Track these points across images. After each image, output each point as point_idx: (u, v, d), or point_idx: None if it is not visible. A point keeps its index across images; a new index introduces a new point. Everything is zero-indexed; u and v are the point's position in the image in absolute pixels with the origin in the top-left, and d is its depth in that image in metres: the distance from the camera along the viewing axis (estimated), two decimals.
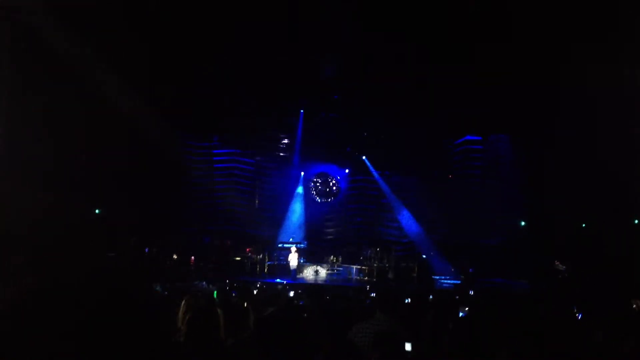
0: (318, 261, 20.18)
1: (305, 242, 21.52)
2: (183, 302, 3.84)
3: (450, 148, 21.78)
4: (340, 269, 19.81)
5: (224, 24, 13.29)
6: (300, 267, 19.30)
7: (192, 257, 18.97)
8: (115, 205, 15.62)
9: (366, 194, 22.88)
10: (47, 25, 11.45)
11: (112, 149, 14.10)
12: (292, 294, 9.22)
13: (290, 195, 22.67)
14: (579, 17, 11.39)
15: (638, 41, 11.40)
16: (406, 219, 21.65)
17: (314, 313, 5.50)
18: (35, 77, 11.57)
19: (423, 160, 21.32)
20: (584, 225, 17.61)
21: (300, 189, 22.83)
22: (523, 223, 19.69)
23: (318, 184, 23.34)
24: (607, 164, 13.87)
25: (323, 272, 19.62)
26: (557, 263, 16.86)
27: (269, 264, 20.16)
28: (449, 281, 18.28)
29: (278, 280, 16.97)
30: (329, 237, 22.76)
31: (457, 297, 9.26)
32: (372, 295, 9.51)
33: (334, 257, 20.31)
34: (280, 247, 20.98)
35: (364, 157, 22.09)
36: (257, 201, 22.73)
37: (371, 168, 22.12)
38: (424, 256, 20.36)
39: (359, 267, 19.92)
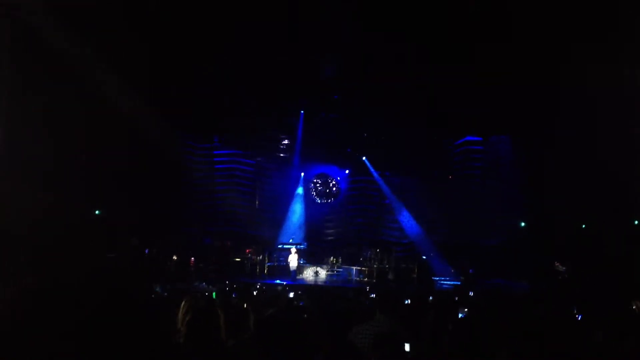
0: (318, 262, 20.17)
1: (305, 243, 21.52)
2: (183, 303, 3.84)
3: (450, 149, 21.78)
4: (340, 270, 19.80)
5: (224, 24, 13.29)
6: (300, 268, 19.29)
7: (192, 258, 18.96)
8: (115, 206, 15.61)
9: (366, 194, 22.89)
10: (47, 25, 11.44)
11: (112, 149, 14.09)
12: (292, 295, 9.22)
13: (290, 196, 22.67)
14: (579, 17, 11.39)
15: (638, 41, 11.40)
16: (406, 220, 21.65)
17: (314, 314, 5.50)
18: (35, 77, 11.57)
19: (423, 161, 21.33)
20: (584, 226, 17.60)
21: (300, 190, 22.83)
22: (523, 224, 19.68)
23: (318, 185, 23.34)
24: (607, 164, 13.87)
25: (323, 273, 19.61)
26: (557, 264, 16.85)
27: (268, 265, 20.16)
28: (449, 282, 18.27)
29: (278, 281, 16.97)
30: (329, 238, 22.76)
31: (457, 298, 9.26)
32: (372, 296, 9.51)
33: (334, 258, 20.31)
34: (280, 248, 20.97)
35: (364, 158, 22.09)
36: (257, 202, 22.73)
37: (371, 169, 22.11)
38: (424, 257, 20.35)
39: (359, 268, 19.91)
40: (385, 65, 15.32)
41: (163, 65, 13.94)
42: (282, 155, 22.77)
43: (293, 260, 18.54)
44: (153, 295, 6.48)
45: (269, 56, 14.97)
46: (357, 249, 21.24)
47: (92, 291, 1.24)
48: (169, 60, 14.03)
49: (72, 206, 12.63)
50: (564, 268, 16.66)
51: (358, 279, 19.49)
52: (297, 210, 22.59)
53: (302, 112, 20.70)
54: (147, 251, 17.91)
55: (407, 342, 3.58)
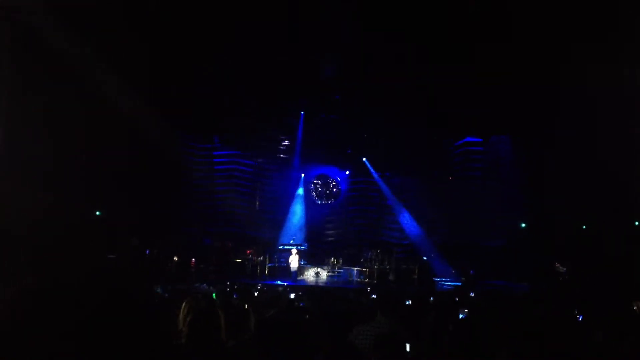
0: (319, 263, 20.15)
1: (306, 244, 21.49)
2: (184, 304, 3.84)
3: (450, 149, 21.78)
4: (341, 270, 19.79)
5: (224, 24, 13.29)
6: (300, 269, 19.27)
7: (193, 259, 18.96)
8: (116, 206, 15.61)
9: (367, 195, 22.88)
10: (47, 25, 11.44)
11: (112, 149, 14.09)
12: (292, 296, 9.21)
13: (290, 197, 22.65)
14: (579, 17, 11.39)
15: (638, 41, 11.40)
16: (407, 221, 21.64)
17: (314, 315, 5.50)
18: (35, 77, 11.57)
19: (423, 162, 21.34)
20: (584, 226, 17.59)
21: (300, 191, 22.81)
22: (523, 224, 19.68)
23: (318, 186, 23.33)
24: (607, 164, 13.87)
25: (324, 274, 19.60)
26: (558, 264, 16.85)
27: (269, 266, 20.14)
28: (449, 283, 18.26)
29: (279, 282, 16.95)
30: (330, 239, 22.74)
31: (457, 298, 9.25)
32: (373, 297, 9.50)
33: (334, 259, 20.30)
34: (280, 249, 20.96)
35: (364, 159, 22.08)
36: (257, 203, 22.71)
37: (371, 170, 22.11)
38: (425, 258, 20.34)
39: (359, 269, 19.89)
40: (385, 65, 15.32)
41: (163, 65, 13.94)
42: (282, 156, 22.76)
43: (294, 261, 18.51)
44: (153, 296, 6.48)
45: (269, 56, 14.97)
46: (357, 250, 21.23)
47: (92, 291, 1.24)
48: (169, 60, 14.03)
49: (72, 206, 12.63)
50: (564, 269, 16.66)
51: (359, 279, 19.47)
52: (297, 211, 22.57)
53: (302, 112, 20.70)
54: (147, 252, 17.90)
55: (407, 343, 3.58)
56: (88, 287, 1.25)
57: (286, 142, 22.44)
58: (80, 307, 1.16)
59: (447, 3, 12.64)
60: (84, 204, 14.35)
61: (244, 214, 21.74)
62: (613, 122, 13.32)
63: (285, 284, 16.03)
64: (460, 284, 17.84)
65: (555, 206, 16.57)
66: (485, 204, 20.23)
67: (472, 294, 10.90)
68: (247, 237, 21.38)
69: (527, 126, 17.51)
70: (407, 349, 3.56)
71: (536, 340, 3.21)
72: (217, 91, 17.44)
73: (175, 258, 18.22)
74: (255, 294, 9.44)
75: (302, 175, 22.71)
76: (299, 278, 18.78)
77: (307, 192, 22.99)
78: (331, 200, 23.28)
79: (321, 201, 23.27)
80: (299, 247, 20.02)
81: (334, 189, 23.31)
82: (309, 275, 19.55)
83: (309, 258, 20.72)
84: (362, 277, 19.60)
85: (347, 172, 23.04)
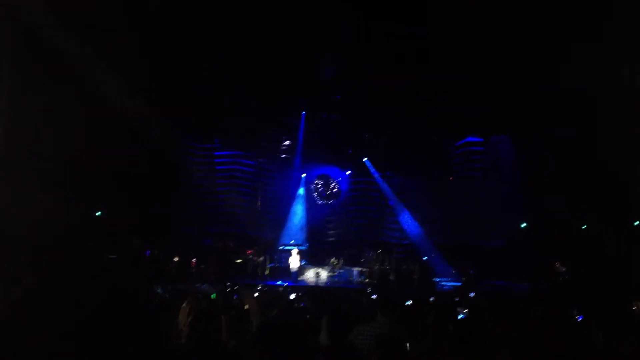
0: (319, 263, 20.13)
1: (307, 244, 21.49)
2: (184, 305, 3.84)
3: (451, 150, 21.78)
4: (342, 271, 19.77)
5: (224, 23, 13.29)
6: (301, 270, 19.24)
7: (193, 260, 18.95)
8: (116, 206, 15.61)
9: (367, 195, 22.88)
10: (47, 25, 11.45)
11: (112, 149, 14.10)
12: (293, 296, 9.20)
13: (291, 197, 22.64)
14: (579, 17, 11.39)
15: (638, 41, 11.40)
16: (407, 221, 21.64)
17: (314, 315, 5.49)
18: (35, 77, 11.58)
19: (424, 162, 21.34)
20: (584, 227, 17.59)
21: (301, 191, 22.81)
22: (523, 225, 19.68)
23: (319, 186, 23.32)
24: (607, 164, 13.87)
25: (324, 274, 19.58)
26: (557, 265, 16.84)
27: (270, 266, 20.13)
28: (449, 283, 18.26)
29: (279, 282, 16.95)
30: (330, 239, 22.72)
31: (457, 299, 9.24)
32: (373, 297, 9.49)
33: (335, 259, 20.28)
34: (281, 249, 20.95)
35: (365, 159, 22.08)
36: (258, 203, 22.68)
37: (372, 170, 22.10)
38: (425, 258, 20.34)
39: (360, 269, 19.85)
40: (385, 65, 15.32)
41: (163, 65, 13.94)
42: (283, 156, 22.74)
43: (294, 262, 18.49)
44: (154, 296, 6.48)
45: (269, 56, 14.97)
46: (358, 250, 21.22)
47: (92, 291, 1.24)
48: (169, 60, 14.03)
49: (72, 206, 12.63)
50: (564, 269, 16.65)
51: (359, 280, 19.45)
52: (298, 211, 22.55)
53: (303, 113, 20.69)
54: (147, 252, 17.89)
55: (407, 343, 3.58)
56: (88, 287, 1.25)
57: (287, 142, 22.43)
58: (80, 307, 1.16)
59: (447, 3, 12.65)
60: (84, 204, 14.35)
61: (244, 214, 21.73)
62: (613, 122, 13.32)
63: (286, 284, 16.03)
64: (460, 284, 17.84)
65: (555, 206, 16.57)
66: (486, 204, 20.23)
67: (471, 294, 10.89)
68: (248, 237, 21.37)
69: (527, 126, 17.50)
70: (407, 349, 3.56)
71: (536, 340, 3.21)
72: (217, 91, 17.43)
73: (176, 258, 18.22)
74: (256, 294, 9.44)
75: (303, 175, 22.71)
76: (299, 278, 18.77)
77: (307, 192, 22.99)
78: (332, 201, 23.27)
79: (322, 201, 23.26)
80: (299, 248, 20.01)
81: (335, 189, 23.30)
82: (310, 275, 19.53)
83: (310, 258, 20.70)
84: (362, 277, 19.58)
85: (348, 172, 23.04)
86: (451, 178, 21.86)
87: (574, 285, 14.80)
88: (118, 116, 13.51)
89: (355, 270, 19.81)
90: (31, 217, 11.02)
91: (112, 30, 11.78)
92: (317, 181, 23.28)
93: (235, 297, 8.07)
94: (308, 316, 5.45)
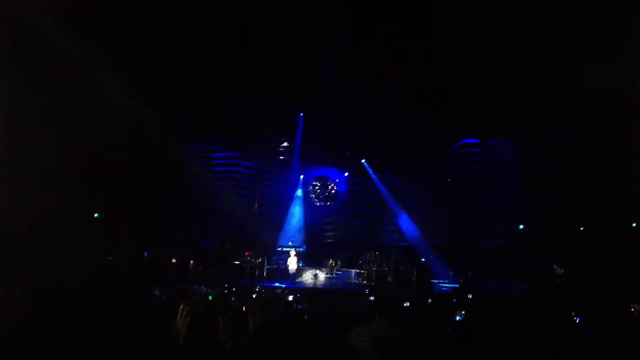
0: (317, 265, 20.13)
1: (305, 246, 21.47)
2: (182, 306, 3.84)
3: (449, 151, 21.75)
4: (340, 272, 19.76)
5: (224, 24, 13.29)
6: (299, 271, 19.22)
7: (191, 261, 18.94)
8: (115, 206, 15.61)
9: (365, 197, 22.84)
10: (47, 25, 11.45)
11: (112, 149, 14.09)
12: (291, 297, 9.21)
13: (289, 198, 22.61)
14: (579, 17, 11.39)
15: (638, 41, 11.40)
16: (405, 223, 21.62)
17: (313, 317, 5.50)
18: (35, 77, 11.58)
19: (423, 163, 21.32)
20: (582, 228, 17.58)
21: (299, 193, 22.78)
22: (522, 226, 19.67)
23: (317, 188, 23.30)
24: (607, 164, 13.87)
25: (322, 276, 19.57)
26: (556, 266, 16.84)
27: (268, 268, 20.11)
28: (448, 285, 18.25)
29: (277, 284, 16.94)
30: (329, 240, 22.68)
31: (455, 300, 9.25)
32: (371, 298, 9.49)
33: (333, 260, 20.28)
34: (279, 250, 20.92)
35: (363, 161, 22.06)
36: (256, 205, 22.66)
37: (370, 171, 22.08)
38: (423, 260, 20.32)
39: (358, 270, 19.85)
40: (385, 65, 15.32)
41: (163, 65, 13.93)
42: (281, 157, 22.73)
43: (292, 263, 18.46)
44: (152, 297, 6.48)
45: (268, 56, 14.97)
46: (356, 252, 21.17)
47: (91, 292, 1.25)
48: (169, 60, 14.03)
49: (72, 207, 12.63)
50: (562, 270, 16.65)
51: (357, 281, 19.43)
52: (296, 213, 22.52)
53: (301, 114, 20.67)
54: (146, 254, 17.88)
55: (405, 345, 3.58)
56: (88, 288, 1.26)
57: (285, 144, 22.40)
58: (80, 307, 1.17)
59: (447, 3, 12.65)
60: (84, 204, 14.35)
61: (243, 216, 21.72)
62: (613, 122, 13.31)
63: (284, 286, 16.02)
64: (458, 285, 17.83)
65: (555, 206, 16.57)
66: (485, 205, 20.22)
67: (469, 296, 10.89)
68: (246, 238, 21.36)
69: (526, 127, 17.50)
70: (405, 350, 3.56)
71: (534, 341, 3.21)
72: (217, 91, 17.43)
73: (174, 260, 18.21)
74: (254, 296, 9.44)
75: (301, 177, 22.69)
76: (297, 280, 18.75)
77: (306, 193, 22.97)
78: (330, 202, 23.24)
79: (320, 203, 23.24)
80: (297, 249, 19.99)
81: (333, 191, 23.27)
82: (308, 277, 19.52)
83: (308, 260, 20.68)
84: (360, 278, 19.57)
85: (346, 174, 23.02)
86: (449, 179, 21.82)
87: (573, 286, 14.80)
88: (118, 116, 13.51)
89: (354, 271, 19.80)
90: (31, 217, 11.02)
91: (112, 30, 11.77)
92: (315, 183, 23.26)
93: (233, 298, 8.07)
94: (306, 317, 5.45)
